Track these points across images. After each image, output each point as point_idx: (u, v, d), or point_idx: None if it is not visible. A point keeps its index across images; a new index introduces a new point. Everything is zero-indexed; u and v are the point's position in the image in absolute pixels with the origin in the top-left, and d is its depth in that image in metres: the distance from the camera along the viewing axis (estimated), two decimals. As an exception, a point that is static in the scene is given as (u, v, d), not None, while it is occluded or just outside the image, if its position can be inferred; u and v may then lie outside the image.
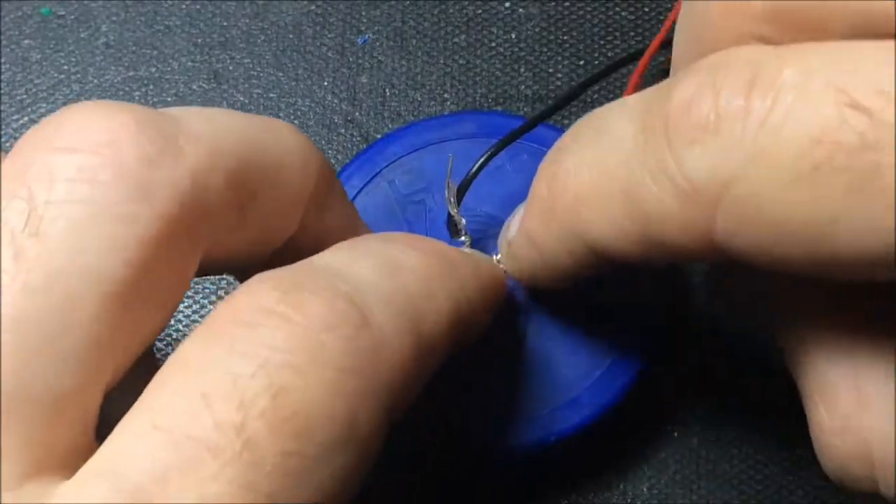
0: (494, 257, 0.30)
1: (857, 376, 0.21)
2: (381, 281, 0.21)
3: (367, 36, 0.36)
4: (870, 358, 0.21)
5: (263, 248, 0.23)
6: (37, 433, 0.18)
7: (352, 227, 0.26)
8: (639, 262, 0.22)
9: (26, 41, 0.36)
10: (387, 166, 0.31)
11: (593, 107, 0.35)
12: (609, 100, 0.35)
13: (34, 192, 0.19)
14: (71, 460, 0.18)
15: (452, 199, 0.28)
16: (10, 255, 0.18)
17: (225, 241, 0.22)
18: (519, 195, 0.30)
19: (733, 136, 0.18)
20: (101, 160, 0.19)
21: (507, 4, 0.36)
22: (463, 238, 0.29)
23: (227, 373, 0.18)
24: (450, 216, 0.29)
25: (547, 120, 0.30)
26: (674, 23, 0.34)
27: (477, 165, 0.28)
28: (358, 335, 0.19)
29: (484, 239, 0.30)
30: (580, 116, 0.34)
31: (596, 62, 0.36)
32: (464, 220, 0.29)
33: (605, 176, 0.21)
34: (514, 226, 0.26)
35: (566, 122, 0.35)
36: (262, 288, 0.20)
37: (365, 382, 0.19)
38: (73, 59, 0.36)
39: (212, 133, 0.21)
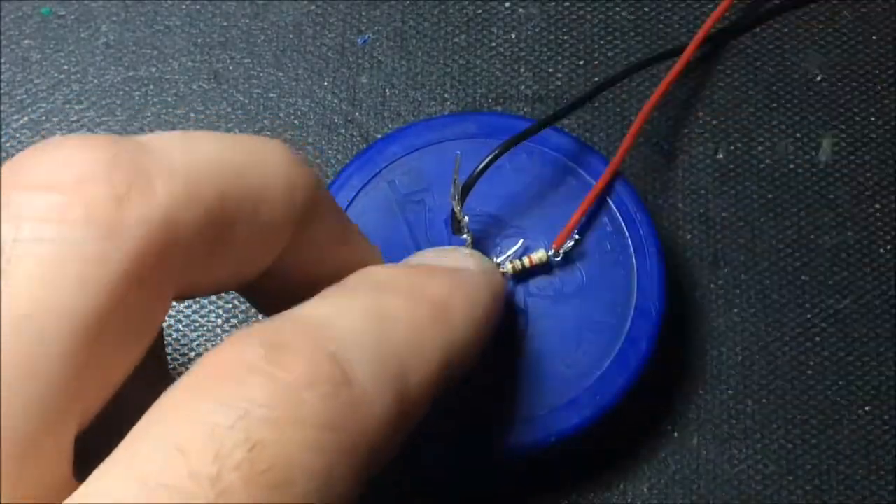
0: (495, 259, 0.30)
1: None
2: (368, 335, 0.21)
3: (367, 36, 0.36)
4: None
5: (246, 272, 0.23)
6: (8, 475, 0.18)
7: (346, 242, 0.26)
8: None
9: (26, 41, 0.36)
10: (386, 166, 0.31)
11: (602, 109, 0.35)
12: (618, 103, 0.35)
13: (1, 230, 0.18)
14: (47, 499, 0.18)
15: (457, 197, 0.28)
16: None
17: (202, 272, 0.21)
18: (518, 195, 0.31)
19: None
20: (70, 199, 0.19)
21: (507, 4, 0.36)
22: (465, 236, 0.29)
23: (205, 424, 0.18)
24: (453, 213, 0.29)
25: (554, 122, 0.31)
26: (712, 26, 0.34)
27: (483, 164, 0.28)
28: (338, 393, 0.19)
29: (484, 238, 0.30)
30: (588, 119, 0.35)
31: (596, 62, 0.36)
32: (467, 218, 0.29)
33: None
34: None
35: (571, 122, 0.35)
36: (248, 343, 0.20)
37: (343, 439, 0.19)
38: (73, 59, 0.36)
39: (189, 165, 0.20)
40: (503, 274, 0.29)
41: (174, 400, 0.19)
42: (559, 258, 0.30)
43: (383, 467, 0.21)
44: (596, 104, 0.35)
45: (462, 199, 0.28)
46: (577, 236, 0.30)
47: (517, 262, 0.30)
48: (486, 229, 0.30)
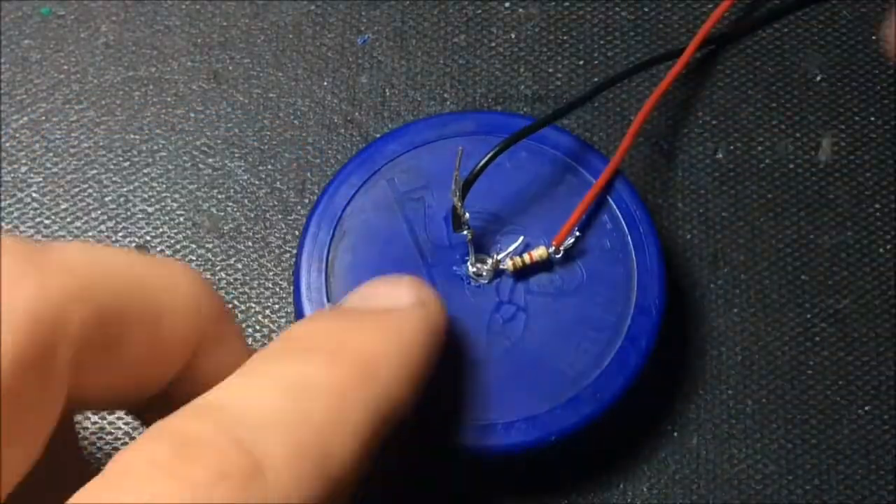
0: (495, 256, 0.30)
1: None
2: (283, 415, 0.21)
3: (367, 36, 0.36)
4: None
5: (142, 388, 0.23)
6: None
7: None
8: None
9: (26, 41, 0.36)
10: (386, 164, 0.31)
11: (602, 109, 0.35)
12: (618, 103, 0.35)
13: None
14: None
15: (458, 193, 0.28)
16: None
17: (96, 373, 0.21)
18: (518, 193, 0.31)
19: None
20: None
21: (507, 4, 0.37)
22: (465, 232, 0.29)
23: None
24: (453, 210, 0.29)
25: (553, 120, 0.31)
26: (712, 27, 0.34)
27: (485, 160, 0.28)
28: (249, 485, 0.19)
29: (484, 235, 0.30)
30: (588, 119, 0.35)
31: (595, 62, 0.36)
32: (467, 215, 0.29)
33: None
34: None
35: (571, 122, 0.35)
36: (157, 441, 0.19)
37: None
38: (73, 59, 0.36)
39: (87, 267, 0.21)
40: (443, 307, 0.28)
41: (87, 499, 0.19)
42: (559, 255, 0.30)
43: None
44: (596, 104, 0.35)
45: (463, 196, 0.28)
46: (577, 233, 0.30)
47: (517, 259, 0.30)
48: (486, 226, 0.30)
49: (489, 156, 0.28)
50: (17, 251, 0.20)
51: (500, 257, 0.30)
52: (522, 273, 0.30)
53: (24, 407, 0.19)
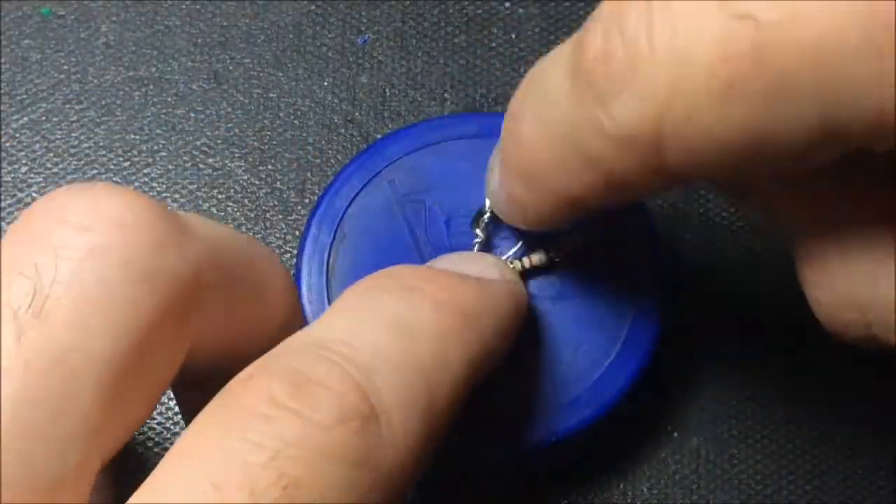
0: (503, 256, 0.30)
1: (840, 238, 0.22)
2: (392, 352, 0.21)
3: (367, 36, 0.36)
4: (848, 223, 0.22)
5: (236, 359, 0.23)
6: None
7: None
8: (619, 204, 0.23)
9: (26, 41, 0.36)
10: (387, 166, 0.31)
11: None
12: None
13: (41, 269, 0.19)
14: None
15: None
16: (13, 334, 0.18)
17: (206, 341, 0.22)
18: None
19: (649, 75, 0.19)
20: (109, 241, 0.19)
21: (507, 4, 0.36)
22: (478, 231, 0.29)
23: (239, 462, 0.18)
24: (478, 212, 0.29)
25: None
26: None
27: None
28: (367, 428, 0.20)
29: (490, 237, 0.30)
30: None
31: (596, 62, 0.36)
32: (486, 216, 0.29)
33: (557, 139, 0.22)
34: (494, 179, 0.26)
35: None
36: (273, 377, 0.20)
37: (373, 474, 0.19)
38: (73, 59, 0.36)
39: (214, 235, 0.22)
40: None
41: (204, 434, 0.19)
42: (559, 259, 0.30)
43: (413, 484, 0.21)
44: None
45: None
46: (576, 237, 0.30)
47: (517, 263, 0.30)
48: (490, 227, 0.30)
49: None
50: (163, 217, 0.20)
51: (508, 256, 0.30)
52: (522, 276, 0.30)
53: (157, 361, 0.20)
